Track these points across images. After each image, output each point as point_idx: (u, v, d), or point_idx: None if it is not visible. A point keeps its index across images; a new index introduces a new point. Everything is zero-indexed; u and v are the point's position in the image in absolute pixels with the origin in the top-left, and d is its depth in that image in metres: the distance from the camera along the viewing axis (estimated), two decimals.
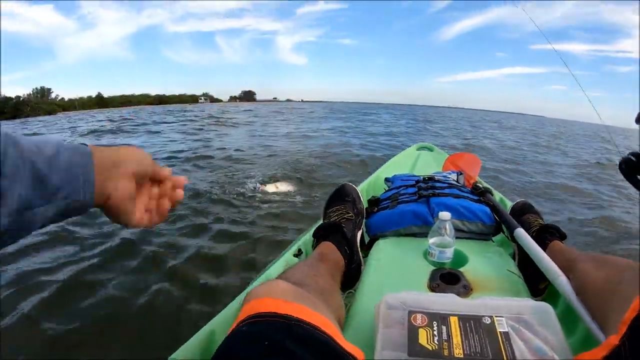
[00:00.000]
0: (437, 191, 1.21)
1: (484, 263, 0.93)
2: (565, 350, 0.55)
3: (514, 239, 1.03)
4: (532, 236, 1.01)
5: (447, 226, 0.91)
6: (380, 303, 0.65)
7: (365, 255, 1.11)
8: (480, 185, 1.42)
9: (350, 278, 1.00)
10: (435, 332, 0.57)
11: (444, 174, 1.65)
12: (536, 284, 0.96)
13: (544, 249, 0.94)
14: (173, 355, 0.72)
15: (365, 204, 1.28)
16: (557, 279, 0.79)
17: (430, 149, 2.90)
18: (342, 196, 1.19)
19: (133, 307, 1.84)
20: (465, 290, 0.81)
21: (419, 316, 0.60)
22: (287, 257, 1.17)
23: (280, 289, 0.51)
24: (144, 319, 1.77)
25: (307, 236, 1.24)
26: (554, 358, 0.53)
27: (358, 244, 1.10)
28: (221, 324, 0.82)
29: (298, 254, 1.21)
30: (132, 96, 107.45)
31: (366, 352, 0.61)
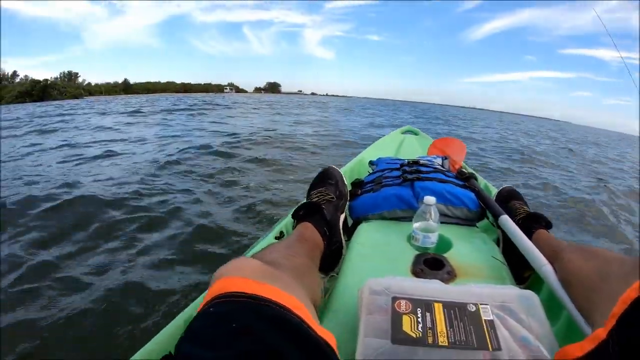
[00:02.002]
0: (422, 175, 1.20)
1: (468, 249, 0.93)
2: (550, 340, 0.55)
3: (499, 226, 1.03)
4: (517, 223, 1.01)
5: (432, 211, 0.90)
6: (363, 288, 0.64)
7: (349, 239, 1.10)
8: (466, 171, 1.42)
9: (331, 259, 1.00)
10: (420, 319, 0.56)
11: (429, 158, 1.65)
12: (520, 271, 0.96)
13: (530, 237, 0.94)
14: (145, 347, 0.70)
15: (349, 187, 1.27)
16: (542, 268, 0.79)
17: (416, 133, 2.90)
18: (325, 178, 1.18)
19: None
20: (449, 276, 0.80)
21: (403, 302, 0.59)
22: (268, 240, 1.15)
23: (251, 267, 0.49)
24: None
25: (289, 218, 1.22)
26: (538, 347, 0.52)
27: (340, 226, 1.10)
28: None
29: (280, 236, 1.19)
30: (158, 83, 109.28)
31: (348, 335, 0.60)
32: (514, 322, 0.56)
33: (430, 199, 0.91)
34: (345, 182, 1.22)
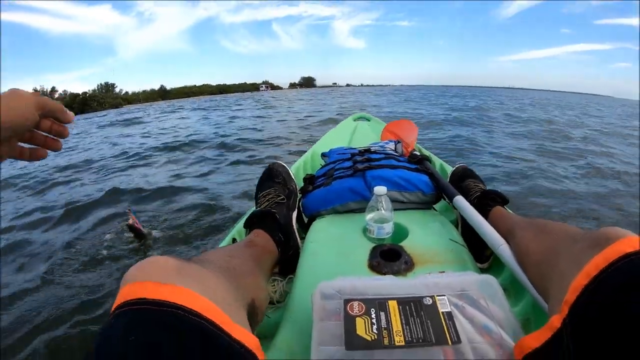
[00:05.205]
0: (373, 163, 1.18)
1: (425, 234, 0.92)
2: (512, 324, 0.54)
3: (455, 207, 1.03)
4: (472, 203, 1.01)
5: (383, 200, 0.88)
6: (315, 293, 0.61)
7: (304, 237, 1.07)
8: (418, 153, 1.41)
9: (290, 264, 0.97)
10: (374, 320, 0.53)
11: (381, 143, 1.64)
12: (482, 250, 0.96)
13: (486, 216, 0.94)
14: None
15: (300, 183, 1.24)
16: (499, 248, 0.78)
17: (368, 119, 2.90)
18: (271, 177, 1.15)
19: None
20: (407, 266, 0.78)
21: (355, 304, 0.56)
22: None
23: (159, 267, 0.43)
24: None
25: (241, 224, 1.18)
26: (500, 335, 0.51)
27: (294, 225, 1.07)
28: None
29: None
30: (194, 87, 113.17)
31: (306, 342, 0.56)
32: (474, 311, 0.55)
33: (380, 189, 0.89)
34: (293, 177, 1.19)
